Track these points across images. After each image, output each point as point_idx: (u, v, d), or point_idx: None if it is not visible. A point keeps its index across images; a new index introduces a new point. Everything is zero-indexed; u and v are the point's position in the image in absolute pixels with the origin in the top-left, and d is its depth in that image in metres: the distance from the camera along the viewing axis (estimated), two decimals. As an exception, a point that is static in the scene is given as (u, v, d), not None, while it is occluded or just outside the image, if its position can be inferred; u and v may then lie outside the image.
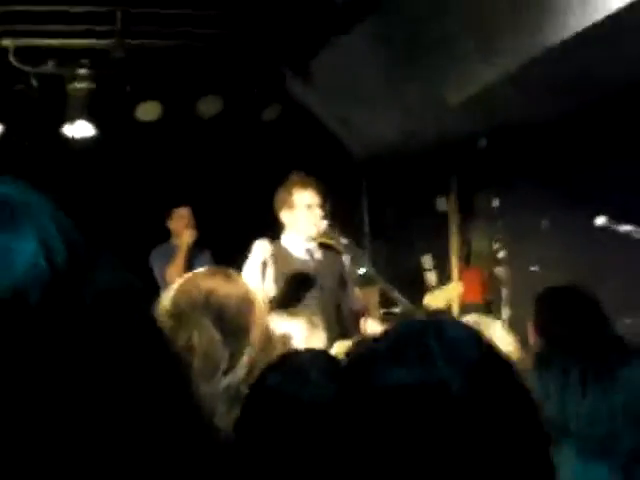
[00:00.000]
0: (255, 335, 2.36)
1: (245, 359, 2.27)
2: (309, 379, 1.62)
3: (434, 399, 1.06)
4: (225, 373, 2.22)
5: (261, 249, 4.66)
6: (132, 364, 0.89)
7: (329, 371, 1.66)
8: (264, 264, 4.65)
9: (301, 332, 3.30)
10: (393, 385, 1.07)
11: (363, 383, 1.10)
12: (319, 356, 1.86)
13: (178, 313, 2.29)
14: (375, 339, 1.19)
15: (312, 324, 3.44)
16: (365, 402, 1.08)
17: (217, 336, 2.26)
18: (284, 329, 3.28)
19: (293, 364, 1.68)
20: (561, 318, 3.60)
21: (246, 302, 2.39)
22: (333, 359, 1.94)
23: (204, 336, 2.25)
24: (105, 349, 0.87)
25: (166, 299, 2.34)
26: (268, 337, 2.64)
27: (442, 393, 1.06)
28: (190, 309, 2.29)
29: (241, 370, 2.23)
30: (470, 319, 3.26)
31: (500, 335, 3.12)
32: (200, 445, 0.96)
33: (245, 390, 1.89)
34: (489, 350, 1.14)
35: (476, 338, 1.15)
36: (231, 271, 2.51)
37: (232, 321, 2.30)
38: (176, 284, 2.40)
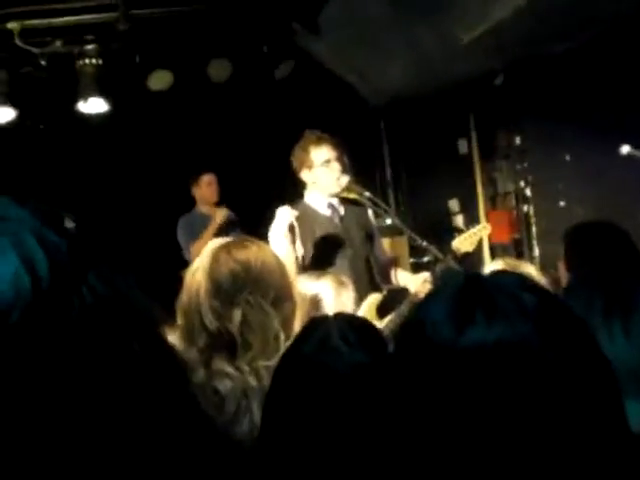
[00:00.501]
0: (298, 300, 2.37)
1: (296, 325, 2.27)
2: (339, 349, 1.60)
3: (515, 356, 1.05)
4: (285, 342, 2.21)
5: (285, 215, 4.63)
6: (124, 378, 0.87)
7: (362, 337, 1.64)
8: (291, 229, 4.62)
9: (330, 292, 3.28)
10: (469, 345, 1.06)
11: (429, 346, 1.08)
12: (350, 321, 1.84)
13: (221, 291, 2.26)
14: (426, 299, 1.17)
15: (340, 283, 3.42)
16: (444, 364, 1.06)
17: (268, 308, 2.25)
18: (313, 290, 3.27)
19: (323, 331, 1.66)
20: (591, 255, 3.57)
21: (282, 269, 2.39)
22: (364, 323, 1.92)
23: (256, 311, 2.24)
24: (94, 365, 0.85)
25: (201, 275, 2.29)
26: (303, 300, 2.64)
27: (522, 349, 1.05)
28: (233, 285, 2.27)
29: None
30: (502, 263, 3.22)
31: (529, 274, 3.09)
32: (202, 454, 0.94)
33: None
34: (550, 298, 1.13)
35: (534, 287, 1.14)
36: (257, 240, 2.50)
37: (276, 290, 2.29)
38: (207, 257, 2.34)
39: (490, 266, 3.31)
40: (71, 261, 0.89)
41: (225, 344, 2.23)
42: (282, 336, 2.23)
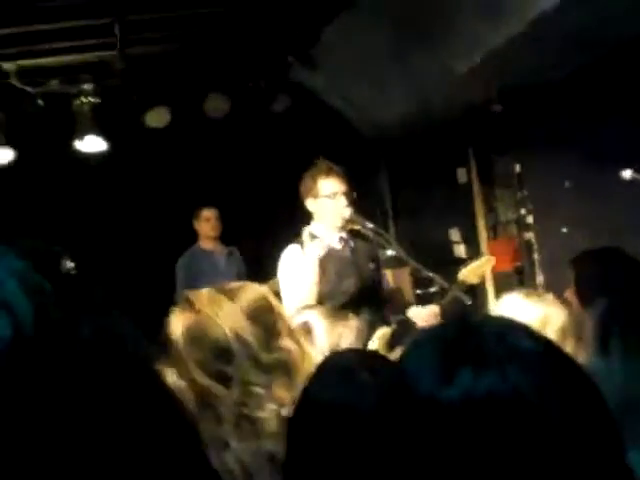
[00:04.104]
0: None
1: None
2: (358, 384, 1.54)
3: (507, 408, 0.99)
4: None
5: (295, 253, 4.73)
6: (117, 429, 0.82)
7: (376, 372, 1.59)
8: (320, 265, 4.72)
9: (319, 322, 3.22)
10: (455, 397, 1.00)
11: (410, 398, 1.03)
12: (363, 356, 1.79)
13: (264, 325, 2.26)
14: (418, 341, 1.12)
15: (334, 315, 3.37)
16: (426, 417, 1.01)
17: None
18: (300, 320, 3.23)
19: (338, 369, 1.60)
20: (599, 282, 3.52)
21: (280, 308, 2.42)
22: (377, 357, 1.87)
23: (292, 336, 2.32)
24: (85, 415, 0.80)
25: (230, 319, 2.23)
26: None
27: (516, 401, 0.99)
28: (269, 318, 2.29)
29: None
30: (518, 295, 3.16)
31: (554, 307, 3.04)
32: None
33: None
34: (549, 346, 1.07)
35: (533, 335, 1.08)
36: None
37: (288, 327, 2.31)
38: (218, 303, 2.27)
39: (508, 298, 3.23)
40: (60, 305, 0.84)
41: (283, 374, 2.22)
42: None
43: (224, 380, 2.17)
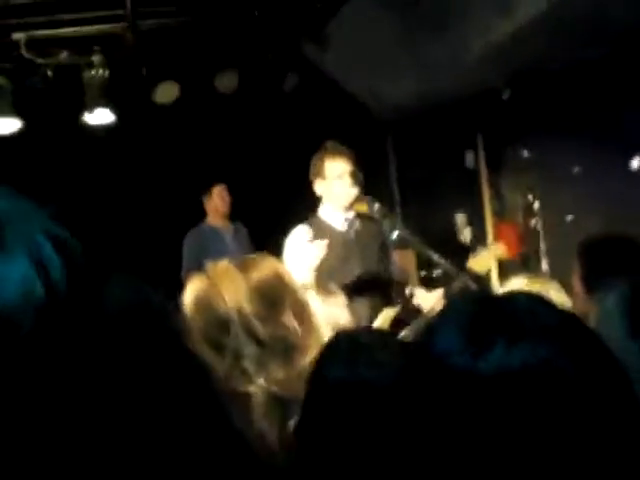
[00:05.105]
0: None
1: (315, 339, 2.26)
2: (375, 360, 1.52)
3: (542, 380, 0.99)
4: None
5: (302, 235, 4.73)
6: (150, 388, 0.82)
7: (392, 348, 1.57)
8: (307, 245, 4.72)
9: (315, 301, 3.23)
10: (489, 371, 1.00)
11: (442, 373, 1.03)
12: (374, 334, 1.78)
13: (266, 299, 2.23)
14: (437, 320, 1.11)
15: (327, 293, 3.39)
16: (460, 392, 1.01)
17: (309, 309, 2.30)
18: None
19: (351, 347, 1.58)
20: (607, 269, 3.49)
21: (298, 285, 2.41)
22: (388, 334, 1.87)
23: (303, 315, 2.27)
24: (117, 373, 0.80)
25: (232, 290, 2.23)
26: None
27: (549, 373, 0.99)
28: (275, 293, 2.26)
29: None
30: (522, 281, 3.16)
31: (557, 297, 3.03)
32: (232, 461, 0.89)
33: None
34: (570, 316, 1.08)
35: (561, 310, 1.09)
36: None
37: (297, 305, 2.29)
38: (229, 274, 2.28)
39: (511, 283, 3.23)
40: (90, 265, 0.83)
41: (280, 351, 2.21)
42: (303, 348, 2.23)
43: (219, 350, 2.18)
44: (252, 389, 2.14)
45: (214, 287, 2.25)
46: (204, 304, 2.24)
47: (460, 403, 1.00)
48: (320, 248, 4.67)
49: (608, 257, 3.54)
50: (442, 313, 1.14)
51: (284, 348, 2.20)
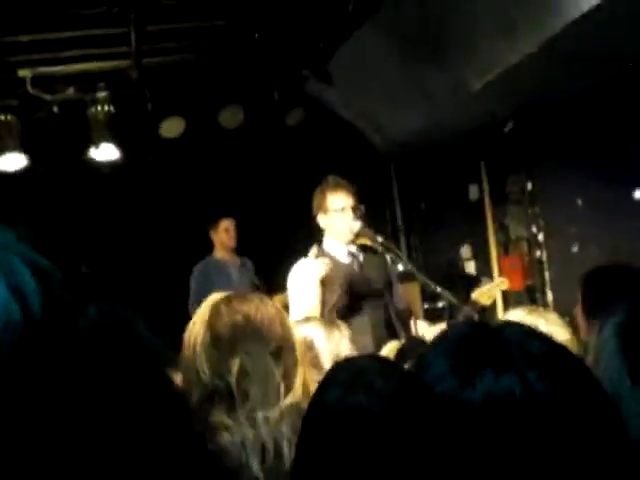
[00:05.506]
0: (301, 351, 2.32)
1: (299, 377, 2.21)
2: (372, 386, 1.53)
3: (526, 410, 1.01)
4: (285, 395, 2.16)
5: (319, 267, 4.76)
6: (118, 410, 0.82)
7: (390, 375, 1.57)
8: (323, 281, 4.76)
9: (320, 333, 3.23)
10: (476, 398, 1.01)
11: (431, 398, 1.04)
12: (375, 361, 1.78)
13: (220, 341, 2.20)
14: (435, 344, 1.13)
15: (331, 325, 3.39)
16: (447, 417, 1.02)
17: (268, 359, 2.20)
18: (301, 333, 3.23)
19: (350, 373, 1.59)
20: (608, 298, 3.49)
21: (283, 320, 2.35)
22: (389, 362, 1.86)
23: (256, 362, 2.19)
24: (88, 394, 0.80)
25: (200, 326, 2.25)
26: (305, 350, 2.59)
27: (533, 403, 1.01)
28: (232, 335, 2.21)
29: (298, 389, 2.18)
30: (521, 313, 3.16)
31: (556, 326, 3.03)
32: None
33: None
34: (559, 348, 1.09)
35: (550, 341, 1.10)
36: (259, 293, 2.49)
37: (276, 341, 2.24)
38: (207, 309, 2.29)
39: (510, 314, 3.24)
40: (68, 290, 0.84)
41: (223, 396, 2.17)
42: (282, 387, 2.17)
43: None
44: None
45: (194, 322, 2.29)
46: (186, 338, 2.27)
47: (448, 429, 1.01)
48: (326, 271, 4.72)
49: (609, 287, 3.54)
50: (434, 343, 1.15)
51: (228, 395, 2.17)
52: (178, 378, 2.21)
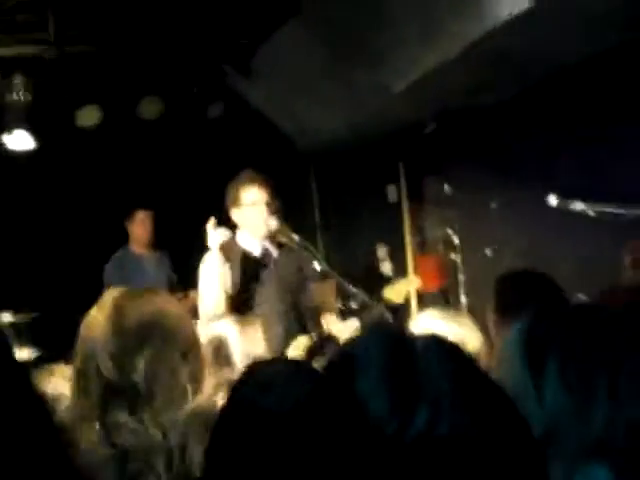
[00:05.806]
0: (206, 350, 2.29)
1: (207, 379, 2.17)
2: (286, 391, 1.53)
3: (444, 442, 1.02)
4: (192, 397, 2.11)
5: (211, 259, 4.73)
6: None
7: (302, 378, 1.57)
8: (222, 248, 4.80)
9: (233, 331, 3.23)
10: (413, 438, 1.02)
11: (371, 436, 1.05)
12: (291, 364, 1.78)
13: (126, 339, 2.12)
14: (348, 353, 1.13)
15: (244, 322, 3.39)
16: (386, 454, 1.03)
17: (177, 360, 2.15)
18: (215, 331, 3.22)
19: (264, 375, 1.59)
20: (521, 303, 3.54)
21: (189, 321, 2.31)
22: (305, 366, 1.86)
23: (163, 363, 2.13)
24: None
25: (103, 323, 2.15)
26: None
27: (451, 436, 1.02)
28: (139, 334, 2.13)
29: (206, 392, 2.14)
30: (434, 314, 3.20)
31: (469, 330, 3.07)
32: None
33: (215, 410, 1.79)
34: (469, 364, 1.10)
35: (454, 353, 1.11)
36: (161, 290, 2.43)
37: (184, 342, 2.19)
38: (110, 304, 2.19)
39: (423, 316, 3.27)
40: None
41: (127, 394, 2.10)
42: (190, 389, 2.12)
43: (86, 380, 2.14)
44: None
45: (94, 315, 2.19)
46: (84, 330, 2.18)
47: (355, 441, 1.02)
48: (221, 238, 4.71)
49: (520, 292, 3.59)
50: (358, 353, 1.16)
51: (134, 395, 2.10)
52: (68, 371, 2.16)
